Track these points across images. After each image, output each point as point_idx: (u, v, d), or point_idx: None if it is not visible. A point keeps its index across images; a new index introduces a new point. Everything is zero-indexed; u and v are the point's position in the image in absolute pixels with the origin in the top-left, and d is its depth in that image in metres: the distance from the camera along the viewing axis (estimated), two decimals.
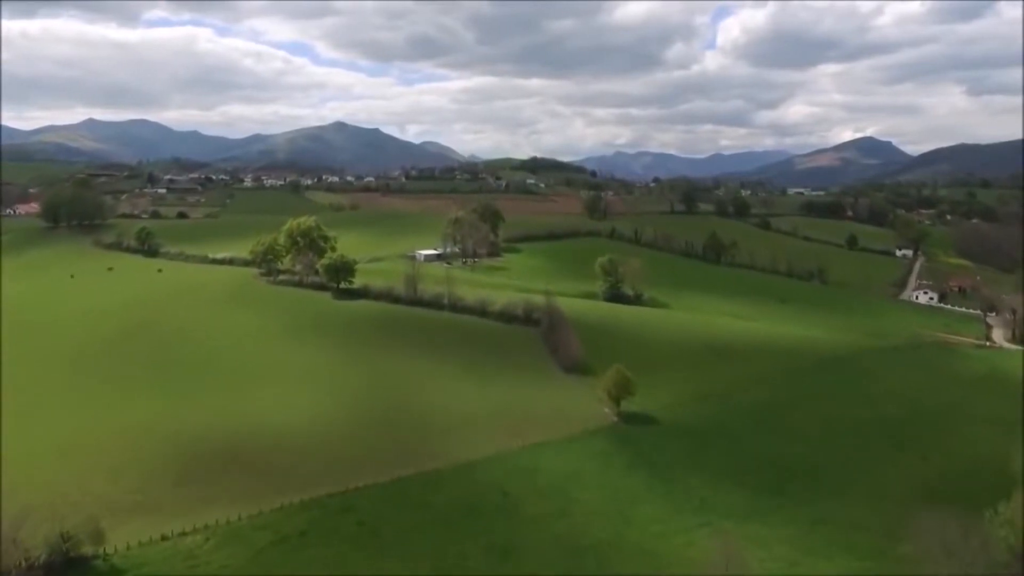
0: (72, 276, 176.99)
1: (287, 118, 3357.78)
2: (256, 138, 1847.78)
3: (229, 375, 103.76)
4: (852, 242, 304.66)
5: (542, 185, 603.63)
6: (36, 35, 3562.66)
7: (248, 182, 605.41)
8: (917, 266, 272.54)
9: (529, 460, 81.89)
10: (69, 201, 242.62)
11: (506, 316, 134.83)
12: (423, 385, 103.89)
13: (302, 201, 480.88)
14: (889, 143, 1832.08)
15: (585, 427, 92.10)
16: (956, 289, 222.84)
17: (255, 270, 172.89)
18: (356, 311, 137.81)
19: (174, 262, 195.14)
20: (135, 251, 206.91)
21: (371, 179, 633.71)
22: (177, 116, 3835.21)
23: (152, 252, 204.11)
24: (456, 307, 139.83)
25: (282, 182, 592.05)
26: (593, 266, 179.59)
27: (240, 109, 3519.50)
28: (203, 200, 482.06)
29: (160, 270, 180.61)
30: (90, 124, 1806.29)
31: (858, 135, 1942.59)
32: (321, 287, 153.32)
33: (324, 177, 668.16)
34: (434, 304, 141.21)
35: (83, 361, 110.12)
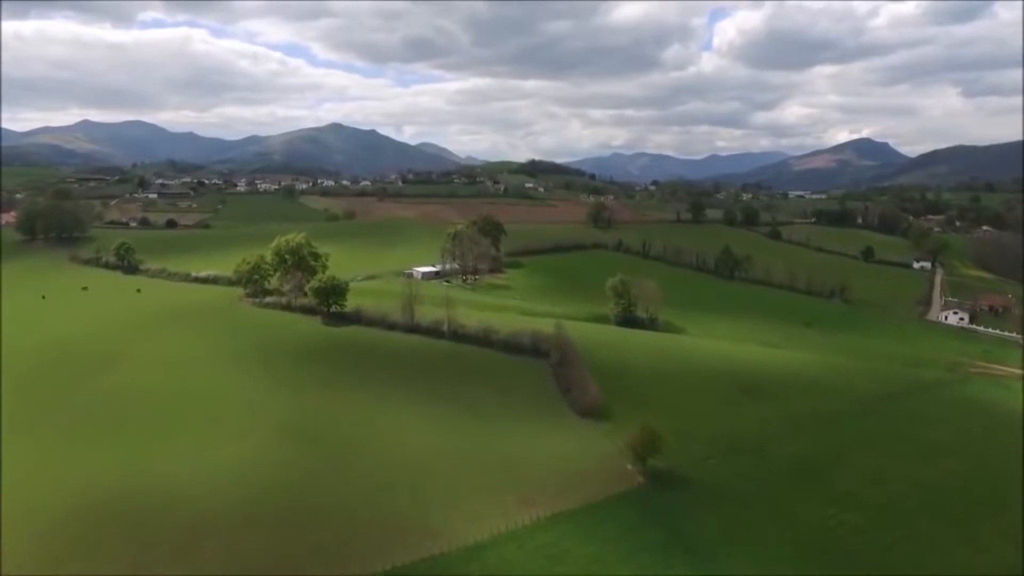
0: (43, 297, 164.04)
1: (283, 119, 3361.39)
2: (252, 139, 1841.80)
3: (193, 427, 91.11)
4: (868, 254, 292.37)
5: (541, 189, 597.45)
6: (30, 36, 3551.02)
7: (241, 187, 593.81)
8: (938, 280, 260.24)
9: (548, 540, 69.73)
10: (46, 213, 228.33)
11: (512, 346, 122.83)
12: (422, 435, 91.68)
13: (296, 207, 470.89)
14: (886, 144, 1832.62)
15: (608, 490, 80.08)
16: (987, 309, 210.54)
17: (240, 290, 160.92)
18: (347, 341, 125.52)
19: (155, 280, 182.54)
20: (114, 267, 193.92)
21: (367, 183, 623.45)
22: (172, 117, 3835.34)
23: (132, 269, 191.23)
24: (457, 335, 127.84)
25: (276, 186, 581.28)
26: (601, 282, 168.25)
27: (236, 110, 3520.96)
28: (195, 205, 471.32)
29: (139, 290, 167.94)
30: (85, 126, 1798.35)
31: (854, 136, 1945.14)
32: (310, 310, 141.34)
33: (319, 181, 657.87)
34: (433, 331, 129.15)
35: (26, 408, 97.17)
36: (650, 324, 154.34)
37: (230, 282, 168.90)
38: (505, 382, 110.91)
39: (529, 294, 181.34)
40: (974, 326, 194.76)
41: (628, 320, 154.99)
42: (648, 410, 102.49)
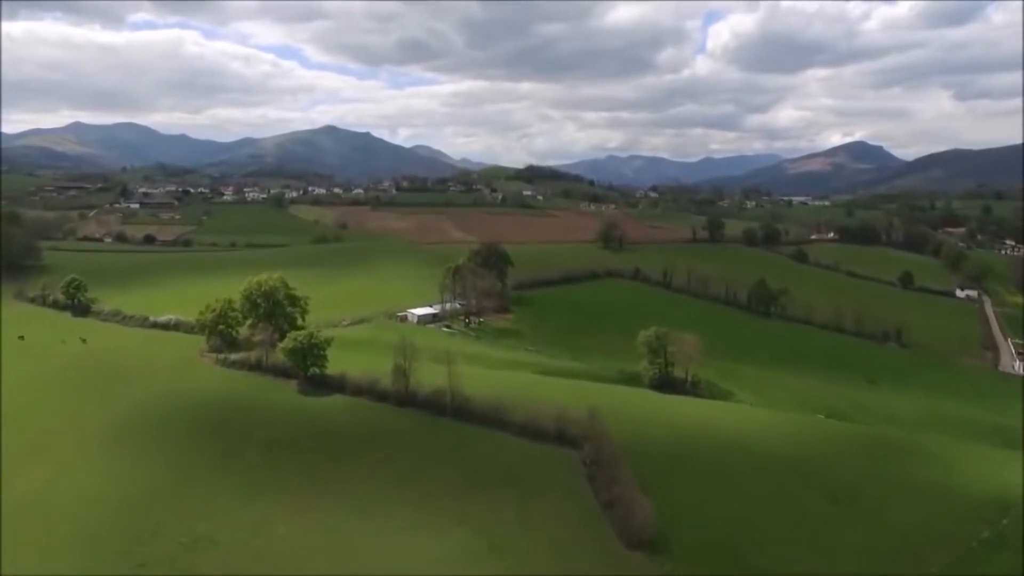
0: None
1: (276, 121, 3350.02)
2: (246, 141, 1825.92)
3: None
4: (907, 280, 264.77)
5: (540, 197, 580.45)
6: (19, 37, 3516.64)
7: (229, 195, 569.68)
8: (991, 313, 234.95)
9: None
10: None
11: (530, 431, 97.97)
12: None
13: (285, 217, 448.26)
14: (880, 148, 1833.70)
15: None
16: None
17: (204, 340, 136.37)
18: (325, 421, 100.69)
19: (107, 324, 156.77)
20: (63, 307, 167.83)
21: (360, 190, 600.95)
22: (165, 119, 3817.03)
23: (83, 310, 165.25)
24: (461, 411, 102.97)
25: (265, 195, 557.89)
26: (622, 322, 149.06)
27: (229, 112, 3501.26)
28: (177, 216, 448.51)
29: (84, 340, 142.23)
30: (76, 127, 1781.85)
31: (848, 139, 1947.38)
32: (284, 372, 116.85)
33: (311, 188, 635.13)
34: (432, 405, 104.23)
35: None
36: (691, 388, 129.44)
37: (193, 328, 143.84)
38: (526, 489, 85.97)
39: (543, 342, 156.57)
40: None
41: (665, 382, 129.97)
42: (717, 535, 78.65)
